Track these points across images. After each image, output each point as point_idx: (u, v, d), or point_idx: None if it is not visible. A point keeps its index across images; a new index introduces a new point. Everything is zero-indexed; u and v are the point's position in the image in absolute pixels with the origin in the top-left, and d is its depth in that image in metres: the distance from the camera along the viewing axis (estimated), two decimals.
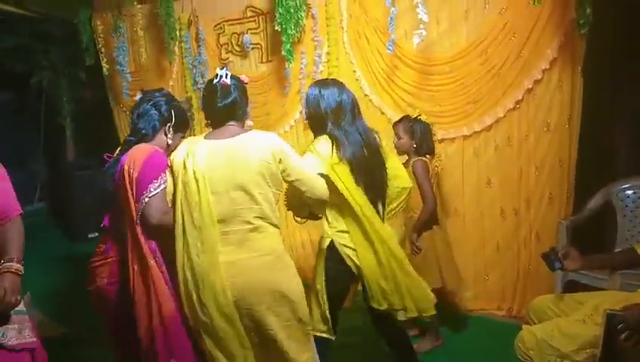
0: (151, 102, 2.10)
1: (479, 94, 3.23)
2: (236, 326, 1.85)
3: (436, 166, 3.20)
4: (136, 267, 1.88)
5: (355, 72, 3.73)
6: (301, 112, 4.03)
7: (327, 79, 2.49)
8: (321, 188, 2.09)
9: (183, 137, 2.20)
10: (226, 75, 2.00)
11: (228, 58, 4.41)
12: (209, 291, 1.81)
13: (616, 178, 3.01)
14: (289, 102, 4.12)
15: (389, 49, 3.34)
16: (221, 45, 4.42)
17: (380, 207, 2.27)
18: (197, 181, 1.84)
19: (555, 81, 3.02)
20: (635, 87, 3.03)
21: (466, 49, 3.22)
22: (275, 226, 1.97)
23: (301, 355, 1.95)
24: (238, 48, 4.33)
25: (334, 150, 2.17)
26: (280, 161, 1.92)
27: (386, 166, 2.32)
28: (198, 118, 4.64)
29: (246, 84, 2.10)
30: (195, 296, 1.83)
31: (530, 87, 3.07)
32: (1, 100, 7.49)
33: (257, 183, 1.88)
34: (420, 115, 3.01)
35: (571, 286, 2.85)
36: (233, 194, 1.86)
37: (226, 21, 4.32)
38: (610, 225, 3.01)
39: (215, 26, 4.40)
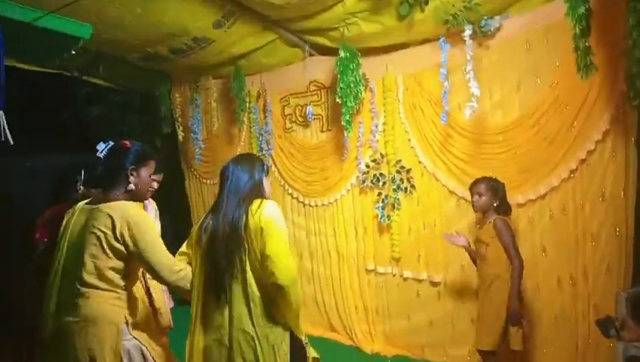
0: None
1: (532, 164, 3.30)
2: None
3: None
4: None
5: (409, 140, 3.92)
6: (357, 178, 4.24)
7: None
8: (161, 270, 1.98)
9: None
10: (102, 150, 2.15)
11: (291, 127, 4.75)
12: None
13: None
14: (346, 167, 4.34)
15: (442, 120, 3.52)
16: (285, 116, 4.77)
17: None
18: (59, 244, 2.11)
19: (608, 151, 3.06)
20: None
21: (519, 119, 3.34)
22: (100, 289, 1.96)
23: None
24: (301, 118, 4.65)
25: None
26: (128, 236, 1.93)
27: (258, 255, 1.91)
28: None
29: (128, 148, 2.12)
30: None
31: (583, 157, 3.12)
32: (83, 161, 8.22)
33: (91, 251, 1.93)
34: (495, 177, 3.13)
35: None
36: (77, 260, 1.97)
37: (292, 94, 4.68)
38: None
39: (281, 98, 4.77)
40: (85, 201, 2.12)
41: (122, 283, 2.01)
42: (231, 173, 2.06)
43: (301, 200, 4.71)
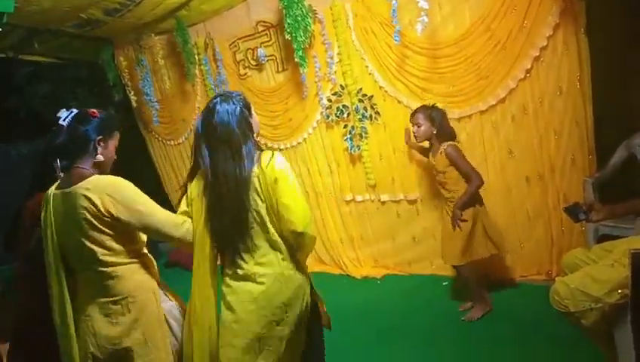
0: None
1: (489, 69, 3.33)
2: None
3: None
4: None
5: (367, 67, 3.88)
6: (321, 113, 4.22)
7: (219, 94, 2.01)
8: (165, 228, 1.90)
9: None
10: (65, 117, 1.93)
11: (246, 73, 4.63)
12: None
13: (636, 131, 3.05)
14: (309, 105, 4.30)
15: (395, 39, 3.48)
16: (238, 62, 4.64)
17: (236, 257, 1.92)
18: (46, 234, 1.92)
19: (560, 45, 3.10)
20: None
21: (470, 28, 3.33)
22: (124, 264, 1.91)
23: None
24: (254, 62, 4.54)
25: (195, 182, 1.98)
26: (116, 211, 1.82)
27: (275, 204, 1.86)
28: None
29: (95, 117, 1.97)
30: None
31: (537, 54, 3.16)
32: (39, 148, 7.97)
33: (89, 235, 1.83)
34: (435, 104, 3.20)
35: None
36: (79, 247, 1.86)
37: (240, 38, 4.53)
38: (635, 178, 3.05)
39: (230, 44, 4.62)
40: (54, 186, 1.97)
41: (137, 251, 1.97)
42: (216, 122, 1.87)
43: (269, 145, 4.68)
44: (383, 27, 3.68)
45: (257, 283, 1.87)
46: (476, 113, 3.48)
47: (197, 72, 4.85)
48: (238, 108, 1.91)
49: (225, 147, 1.85)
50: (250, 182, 1.85)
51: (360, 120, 4.02)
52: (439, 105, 3.21)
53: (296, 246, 1.91)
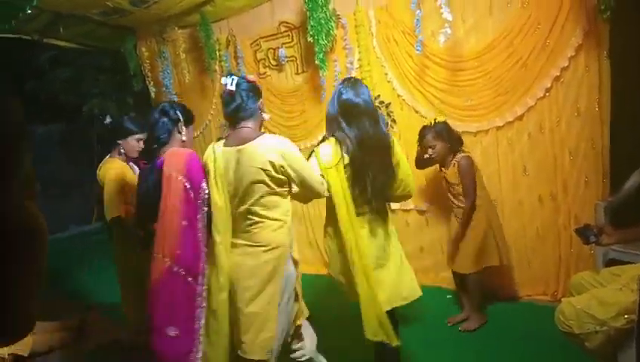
0: (158, 111, 2.39)
1: (509, 86, 3.33)
2: None
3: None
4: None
5: (386, 74, 3.90)
6: None
7: (347, 79, 2.52)
8: (314, 191, 2.22)
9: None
10: (231, 81, 2.18)
11: (265, 72, 4.67)
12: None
13: None
14: (326, 109, 4.30)
15: (417, 49, 3.49)
16: (258, 61, 4.68)
17: (375, 208, 2.34)
18: (216, 184, 2.16)
19: (581, 66, 3.09)
20: None
21: (492, 43, 3.34)
22: (277, 220, 2.18)
23: None
24: (274, 62, 4.57)
25: (334, 153, 2.27)
26: (283, 165, 2.09)
27: (395, 169, 2.37)
28: None
29: (253, 82, 2.25)
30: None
31: (557, 74, 3.16)
32: (57, 129, 8.08)
33: (259, 187, 2.11)
34: (435, 119, 3.23)
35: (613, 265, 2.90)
36: (242, 194, 2.14)
37: (262, 38, 4.57)
38: None
39: (252, 43, 4.66)
40: (220, 143, 2.21)
41: (283, 212, 2.20)
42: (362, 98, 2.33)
43: None
44: (405, 36, 3.70)
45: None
46: (492, 128, 3.48)
47: (217, 67, 4.90)
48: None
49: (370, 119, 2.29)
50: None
51: None
52: (439, 118, 3.22)
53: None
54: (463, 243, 3.16)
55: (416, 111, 3.80)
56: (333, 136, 2.32)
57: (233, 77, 2.19)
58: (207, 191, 2.20)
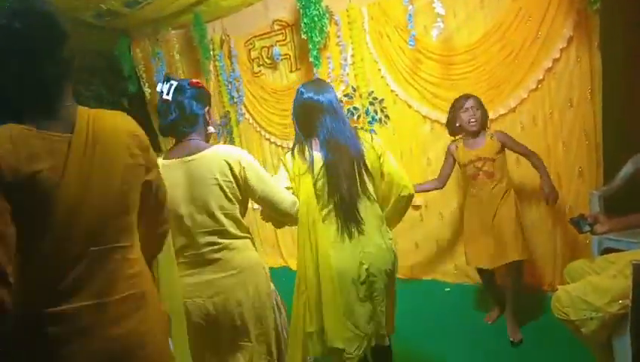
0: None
1: (501, 78, 3.36)
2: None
3: None
4: None
5: (380, 70, 3.91)
6: None
7: (311, 81, 2.36)
8: (284, 204, 2.00)
9: None
10: (169, 88, 1.86)
11: (260, 71, 4.68)
12: None
13: None
14: None
15: (410, 44, 3.51)
16: (252, 59, 4.69)
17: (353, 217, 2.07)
18: None
19: (573, 58, 3.12)
20: None
21: (484, 36, 3.36)
22: (244, 238, 1.94)
23: None
24: (268, 61, 4.58)
25: (300, 159, 2.08)
26: (239, 179, 1.86)
27: (379, 172, 2.20)
28: (237, 131, 4.94)
29: (199, 86, 1.96)
30: None
31: (549, 66, 3.18)
32: None
33: (218, 203, 1.84)
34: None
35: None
36: (196, 215, 1.84)
37: (256, 36, 4.58)
38: None
39: (245, 42, 4.67)
40: (163, 156, 1.91)
41: (247, 227, 1.98)
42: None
43: (279, 143, 4.72)
44: (397, 31, 3.72)
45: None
46: None
47: (211, 67, 4.90)
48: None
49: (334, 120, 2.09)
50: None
51: (369, 123, 4.05)
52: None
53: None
54: (514, 225, 2.93)
55: (410, 106, 3.82)
56: (299, 140, 2.14)
57: (172, 82, 1.87)
58: None
